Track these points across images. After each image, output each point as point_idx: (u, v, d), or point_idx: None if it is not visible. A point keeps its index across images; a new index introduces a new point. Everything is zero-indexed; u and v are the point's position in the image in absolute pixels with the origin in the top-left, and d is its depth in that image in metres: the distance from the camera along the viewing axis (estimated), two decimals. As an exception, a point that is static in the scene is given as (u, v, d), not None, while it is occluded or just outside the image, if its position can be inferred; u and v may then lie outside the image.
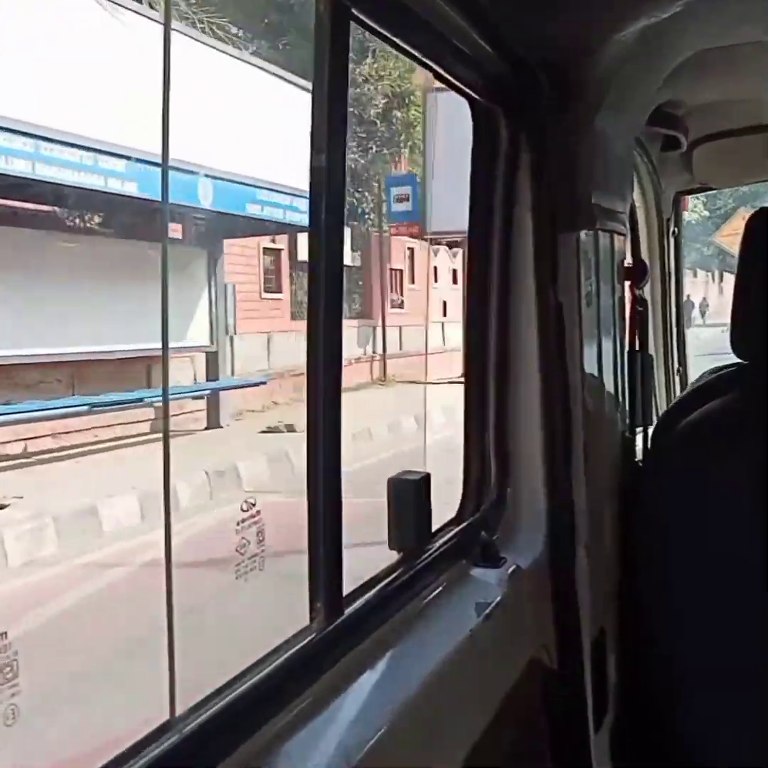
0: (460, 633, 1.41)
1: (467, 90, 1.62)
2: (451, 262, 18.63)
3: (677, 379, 3.14)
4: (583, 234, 1.81)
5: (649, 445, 2.20)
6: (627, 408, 2.18)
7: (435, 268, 18.22)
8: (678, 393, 3.17)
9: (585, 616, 1.82)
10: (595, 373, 1.92)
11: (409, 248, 18.12)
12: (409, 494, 1.49)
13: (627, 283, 2.21)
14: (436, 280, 18.19)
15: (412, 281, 18.48)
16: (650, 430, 2.25)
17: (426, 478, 1.53)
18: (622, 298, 2.14)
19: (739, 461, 1.96)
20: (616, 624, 1.99)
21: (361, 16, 1.22)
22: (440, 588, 1.50)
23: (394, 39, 1.34)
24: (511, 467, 1.78)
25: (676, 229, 3.00)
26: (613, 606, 1.99)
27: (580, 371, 1.81)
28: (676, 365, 3.14)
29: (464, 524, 1.69)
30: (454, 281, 17.72)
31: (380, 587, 1.36)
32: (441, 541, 1.57)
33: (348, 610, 1.25)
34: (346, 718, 1.16)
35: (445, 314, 16.95)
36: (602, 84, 1.81)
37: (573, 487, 1.81)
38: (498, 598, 1.54)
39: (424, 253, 17.58)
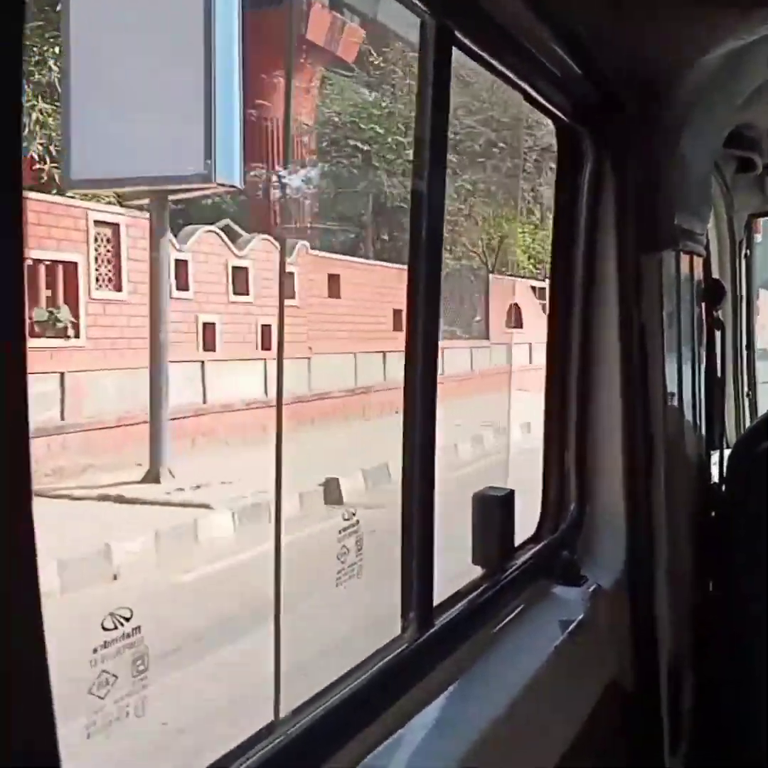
0: (545, 650, 1.41)
1: (555, 111, 1.64)
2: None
3: (746, 402, 3.11)
4: (665, 254, 1.81)
5: (725, 469, 2.18)
6: (703, 431, 2.17)
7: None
8: (747, 417, 3.14)
9: (663, 639, 1.80)
10: (676, 395, 1.92)
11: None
12: (493, 510, 1.50)
13: (703, 305, 2.20)
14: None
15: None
16: (726, 453, 2.23)
17: (510, 495, 1.54)
18: (700, 320, 2.14)
19: None
20: (695, 649, 1.97)
21: (463, 39, 1.24)
22: (523, 605, 1.50)
23: (491, 60, 1.36)
24: (590, 487, 1.78)
25: (748, 251, 2.98)
26: (691, 630, 1.98)
27: (662, 392, 1.81)
28: (746, 389, 3.10)
29: (545, 542, 1.69)
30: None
31: (467, 601, 1.36)
32: (523, 559, 1.57)
33: (438, 622, 1.26)
34: (437, 728, 1.17)
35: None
36: (686, 106, 1.81)
37: (653, 509, 1.81)
38: (580, 616, 1.54)
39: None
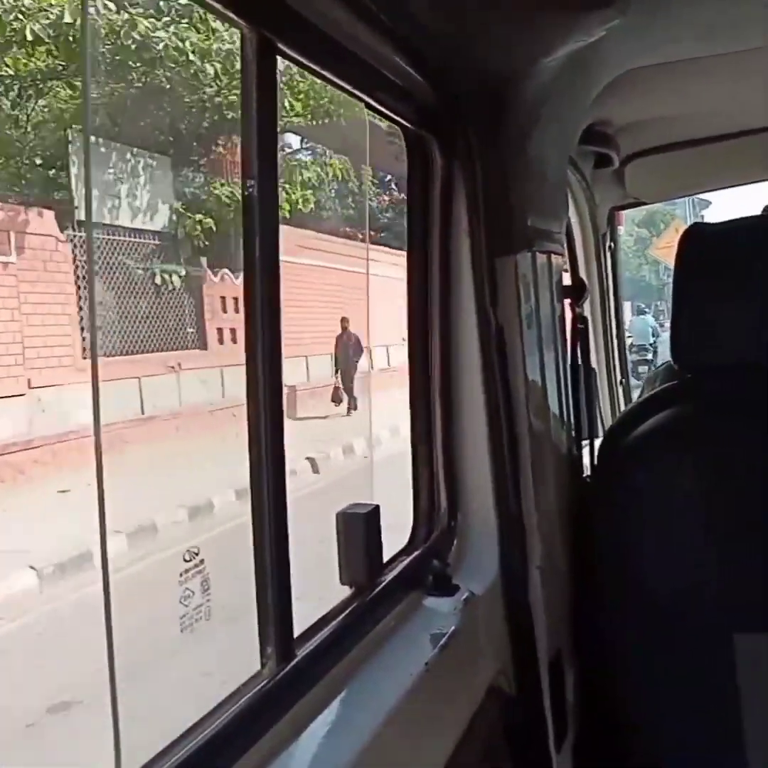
0: (416, 666, 1.39)
1: (399, 119, 1.62)
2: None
3: (620, 391, 3.18)
4: (520, 256, 1.82)
5: (596, 461, 2.21)
6: (572, 424, 2.19)
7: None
8: (622, 405, 3.21)
9: (541, 638, 1.81)
10: (539, 393, 1.93)
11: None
12: (358, 527, 1.48)
13: (567, 302, 2.22)
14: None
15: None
16: (596, 445, 2.26)
17: (375, 510, 1.52)
18: (562, 317, 2.16)
19: (685, 474, 1.98)
20: (573, 644, 1.99)
21: (288, 51, 1.21)
22: (393, 621, 1.48)
23: (322, 72, 1.33)
24: (460, 493, 1.78)
25: (612, 244, 3.04)
26: (568, 626, 1.99)
27: (523, 392, 1.82)
28: (619, 377, 3.17)
29: (416, 553, 1.67)
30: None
31: (332, 626, 1.33)
32: (393, 573, 1.55)
33: (300, 653, 1.23)
34: (306, 762, 1.13)
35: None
36: (532, 108, 1.82)
37: (523, 509, 1.81)
38: (453, 627, 1.53)
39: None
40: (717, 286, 1.99)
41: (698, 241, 2.02)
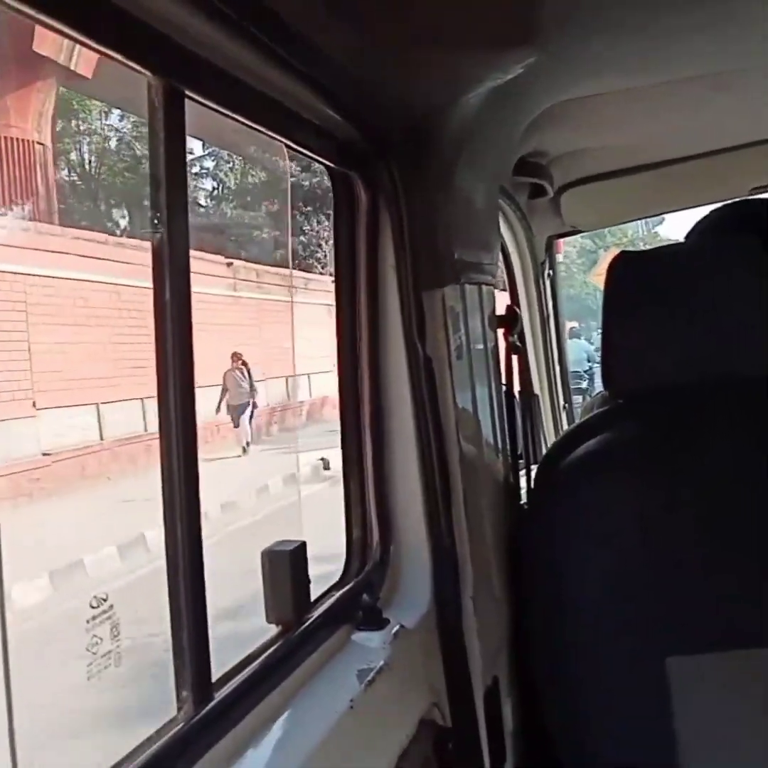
0: (341, 704, 1.39)
1: (320, 158, 1.64)
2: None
3: (564, 416, 3.21)
4: (448, 289, 1.84)
5: (532, 487, 2.23)
6: (508, 452, 2.21)
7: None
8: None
9: (475, 667, 1.82)
10: (471, 423, 1.95)
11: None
12: (284, 565, 1.48)
13: (501, 331, 2.24)
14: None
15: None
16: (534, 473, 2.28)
17: (302, 546, 1.52)
18: (496, 347, 2.18)
19: (618, 498, 2.00)
20: (509, 672, 2.00)
21: (196, 97, 1.22)
22: (320, 659, 1.48)
23: (235, 116, 1.35)
24: (392, 526, 1.78)
25: (551, 272, 3.08)
26: (504, 654, 2.00)
27: (454, 422, 1.83)
28: (562, 403, 3.20)
29: (347, 588, 1.67)
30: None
31: (254, 666, 1.33)
32: (321, 610, 1.55)
33: (218, 695, 1.22)
34: None
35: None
36: (456, 142, 1.85)
37: (456, 539, 1.82)
38: (381, 662, 1.53)
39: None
40: (645, 312, 2.02)
41: (626, 267, 2.06)
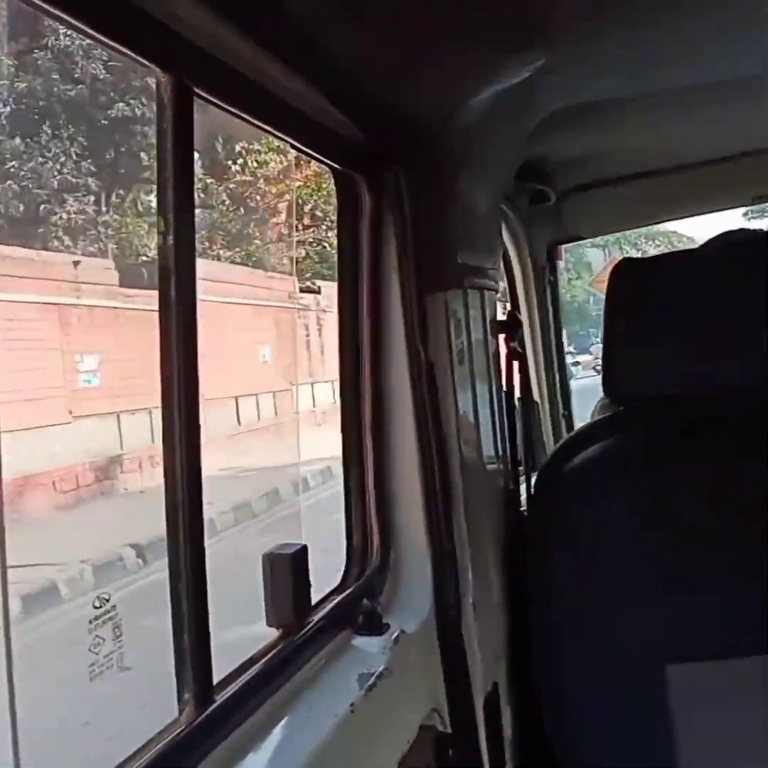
0: (341, 708, 1.38)
1: (326, 160, 1.63)
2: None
3: (564, 422, 3.20)
4: (450, 293, 1.83)
5: (532, 493, 2.22)
6: (508, 457, 2.20)
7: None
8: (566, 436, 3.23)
9: (476, 673, 1.81)
10: (472, 428, 1.94)
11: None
12: (285, 568, 1.47)
13: (502, 336, 2.24)
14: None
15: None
16: (534, 478, 2.27)
17: (303, 550, 1.51)
18: (497, 352, 2.17)
19: (619, 505, 2.00)
20: (509, 677, 1.99)
21: (205, 94, 1.21)
22: (320, 663, 1.47)
23: (243, 114, 1.34)
24: (393, 531, 1.78)
25: (552, 278, 3.07)
26: (504, 660, 1.99)
27: (455, 427, 1.82)
28: (561, 410, 3.19)
29: (347, 592, 1.66)
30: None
31: (255, 669, 1.32)
32: (321, 614, 1.54)
33: (219, 698, 1.21)
34: None
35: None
36: (462, 146, 1.84)
37: (456, 544, 1.81)
38: (382, 667, 1.52)
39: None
40: (647, 319, 2.02)
41: (629, 275, 2.05)
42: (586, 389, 3.21)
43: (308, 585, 1.51)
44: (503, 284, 2.88)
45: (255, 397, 12.05)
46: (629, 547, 1.98)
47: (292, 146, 1.56)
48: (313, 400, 12.71)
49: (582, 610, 1.98)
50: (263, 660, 1.36)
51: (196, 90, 1.19)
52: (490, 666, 1.87)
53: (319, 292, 13.37)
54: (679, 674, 1.90)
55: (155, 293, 1.17)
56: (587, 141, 2.62)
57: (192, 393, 1.19)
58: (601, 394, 2.20)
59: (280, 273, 13.64)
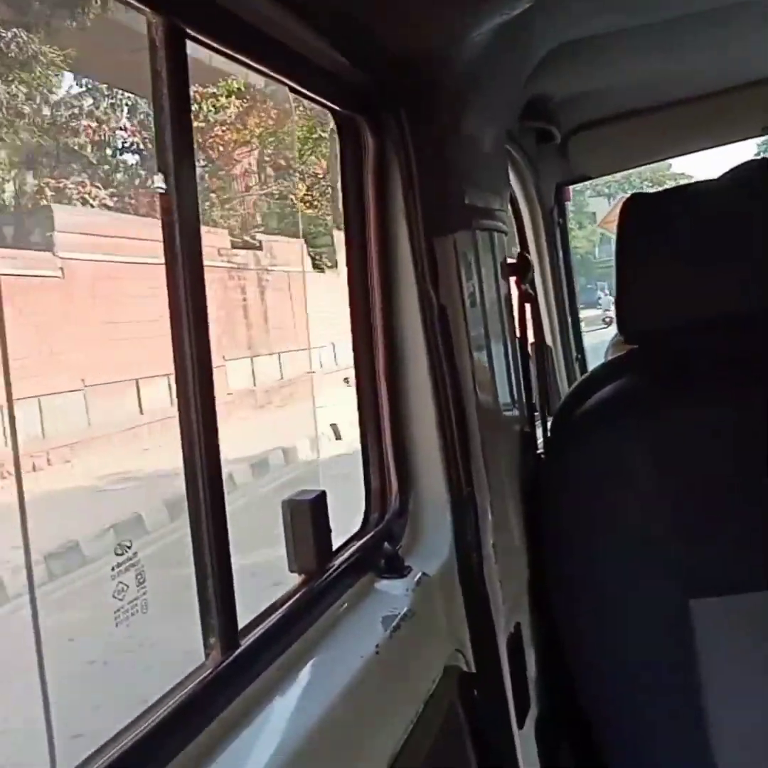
0: (366, 650, 1.39)
1: (326, 102, 1.61)
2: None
3: (577, 366, 3.18)
4: (459, 235, 1.81)
5: (548, 436, 2.22)
6: (524, 401, 2.20)
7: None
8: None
9: (498, 614, 1.82)
10: (486, 371, 1.93)
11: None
12: (305, 514, 1.47)
13: (513, 279, 2.22)
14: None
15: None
16: (550, 422, 2.27)
17: (322, 496, 1.51)
18: (508, 295, 2.15)
19: (635, 445, 1.99)
20: (532, 618, 1.99)
21: (198, 36, 1.19)
22: (343, 606, 1.48)
23: (238, 56, 1.32)
24: (411, 474, 1.77)
25: (561, 220, 3.04)
26: (526, 601, 2.00)
27: (470, 371, 1.81)
28: (574, 353, 3.18)
29: (368, 536, 1.67)
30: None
31: (279, 613, 1.33)
32: (343, 558, 1.55)
33: (244, 642, 1.22)
34: (248, 756, 1.13)
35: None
36: (464, 84, 1.81)
37: (475, 487, 1.81)
38: (405, 609, 1.53)
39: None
40: (659, 253, 2.00)
41: (639, 210, 2.03)
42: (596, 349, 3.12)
43: (329, 530, 1.52)
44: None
45: (167, 378, 9.12)
46: (647, 483, 1.97)
47: (292, 89, 1.53)
48: (253, 377, 11.03)
49: (601, 548, 1.98)
50: (287, 604, 1.36)
51: (188, 31, 1.17)
52: (512, 607, 1.88)
53: (260, 247, 11.62)
54: (703, 608, 1.90)
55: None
56: (590, 77, 2.57)
57: (203, 336, 1.18)
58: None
59: (209, 226, 11.54)
